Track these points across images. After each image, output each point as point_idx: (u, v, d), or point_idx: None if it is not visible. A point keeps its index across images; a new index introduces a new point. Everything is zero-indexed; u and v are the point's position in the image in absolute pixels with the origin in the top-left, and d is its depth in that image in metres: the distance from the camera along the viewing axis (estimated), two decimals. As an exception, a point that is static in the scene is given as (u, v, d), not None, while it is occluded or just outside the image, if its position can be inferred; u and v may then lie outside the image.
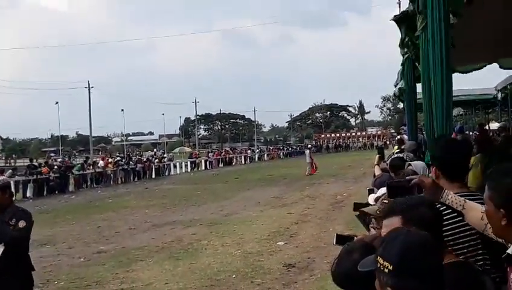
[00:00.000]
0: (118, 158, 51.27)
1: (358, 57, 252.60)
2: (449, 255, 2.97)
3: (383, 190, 4.16)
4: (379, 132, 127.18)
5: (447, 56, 5.12)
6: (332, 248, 4.27)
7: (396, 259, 2.24)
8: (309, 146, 48.76)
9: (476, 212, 3.28)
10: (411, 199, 3.06)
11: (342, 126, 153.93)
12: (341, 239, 4.29)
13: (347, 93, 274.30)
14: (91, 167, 43.71)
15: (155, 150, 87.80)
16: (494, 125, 34.85)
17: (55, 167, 39.65)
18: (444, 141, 4.56)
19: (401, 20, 8.32)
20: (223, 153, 75.81)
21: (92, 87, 70.91)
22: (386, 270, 2.24)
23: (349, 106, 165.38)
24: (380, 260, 2.27)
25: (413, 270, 2.21)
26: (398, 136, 21.85)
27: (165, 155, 64.91)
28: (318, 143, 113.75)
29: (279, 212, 20.71)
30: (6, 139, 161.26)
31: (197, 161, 64.06)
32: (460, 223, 3.76)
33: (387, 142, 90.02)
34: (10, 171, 36.07)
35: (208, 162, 65.26)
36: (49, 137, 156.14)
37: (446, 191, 3.46)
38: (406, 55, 9.74)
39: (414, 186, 3.50)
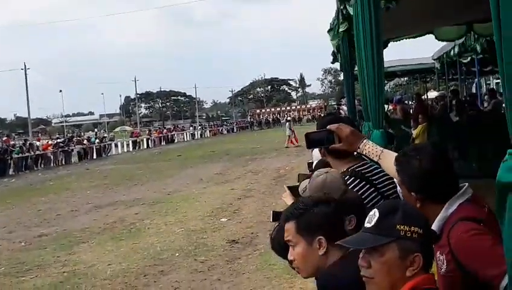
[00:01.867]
0: (58, 140, 50.50)
1: (299, 31, 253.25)
2: None
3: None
4: (319, 104, 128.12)
5: (376, 25, 5.15)
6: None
7: (424, 221, 2.38)
8: (288, 118, 48.57)
9: (391, 161, 3.24)
10: (307, 200, 2.98)
11: (284, 100, 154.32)
12: (278, 216, 4.30)
13: (288, 67, 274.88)
14: (30, 150, 42.97)
15: (96, 130, 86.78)
16: (432, 94, 35.51)
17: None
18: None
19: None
20: (165, 131, 75.51)
21: (28, 68, 69.59)
22: (416, 235, 2.28)
23: (290, 80, 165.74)
24: (405, 228, 2.28)
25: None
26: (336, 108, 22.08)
27: (105, 135, 64.26)
28: (254, 119, 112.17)
29: (222, 189, 20.72)
30: None
31: (138, 140, 63.52)
32: (370, 191, 3.81)
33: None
34: None
35: (149, 141, 64.84)
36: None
37: (364, 140, 3.45)
38: (342, 27, 9.77)
39: (332, 136, 3.48)
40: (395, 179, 3.23)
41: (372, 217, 2.36)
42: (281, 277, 8.91)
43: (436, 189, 2.82)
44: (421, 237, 2.29)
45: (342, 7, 7.86)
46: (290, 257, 2.88)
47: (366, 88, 5.22)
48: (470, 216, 2.71)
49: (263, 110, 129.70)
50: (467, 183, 2.93)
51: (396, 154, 3.21)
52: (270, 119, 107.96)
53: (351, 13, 6.25)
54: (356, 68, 8.87)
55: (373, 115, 5.14)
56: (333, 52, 13.28)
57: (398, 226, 2.28)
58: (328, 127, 3.59)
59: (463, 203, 2.80)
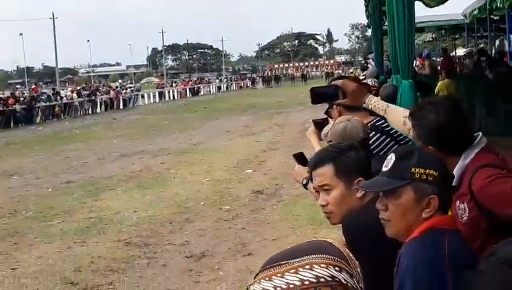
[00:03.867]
0: (84, 91, 50.66)
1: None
2: None
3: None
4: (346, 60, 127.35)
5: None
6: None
7: (440, 165, 2.36)
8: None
9: (398, 116, 3.27)
10: (339, 145, 3.01)
11: (310, 55, 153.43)
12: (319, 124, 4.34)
13: (315, 21, 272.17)
14: (58, 98, 43.25)
15: (119, 81, 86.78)
16: (460, 51, 35.09)
17: (21, 98, 39.30)
18: None
19: None
20: (191, 83, 75.49)
21: (57, 17, 69.56)
22: (431, 178, 2.28)
23: (318, 34, 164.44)
24: (420, 170, 2.29)
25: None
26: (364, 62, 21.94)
27: (131, 85, 64.38)
28: (268, 74, 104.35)
29: (248, 141, 20.78)
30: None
31: (164, 91, 63.55)
32: (391, 144, 3.84)
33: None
34: None
35: (175, 92, 64.87)
36: (15, 69, 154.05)
37: (370, 95, 3.46)
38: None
39: (337, 91, 3.48)
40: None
41: (389, 161, 2.37)
42: (305, 227, 8.99)
43: (452, 141, 2.85)
44: (436, 179, 2.30)
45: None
46: (322, 201, 2.87)
47: (396, 38, 5.16)
48: (489, 163, 2.76)
49: (286, 65, 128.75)
50: (480, 133, 2.96)
51: (401, 108, 3.24)
52: (298, 74, 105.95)
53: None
54: (385, 23, 8.81)
55: (402, 65, 5.09)
56: (365, 6, 13.18)
57: (413, 169, 2.29)
58: (333, 82, 3.61)
59: (480, 152, 2.84)
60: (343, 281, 1.32)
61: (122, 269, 7.95)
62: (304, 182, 4.07)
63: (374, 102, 3.41)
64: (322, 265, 1.31)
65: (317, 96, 3.61)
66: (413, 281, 2.19)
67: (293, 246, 1.42)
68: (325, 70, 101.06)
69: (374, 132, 4.01)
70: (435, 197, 2.29)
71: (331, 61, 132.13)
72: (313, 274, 1.30)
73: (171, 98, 62.31)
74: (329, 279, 1.30)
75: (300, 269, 1.30)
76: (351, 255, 1.39)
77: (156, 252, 8.56)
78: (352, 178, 2.77)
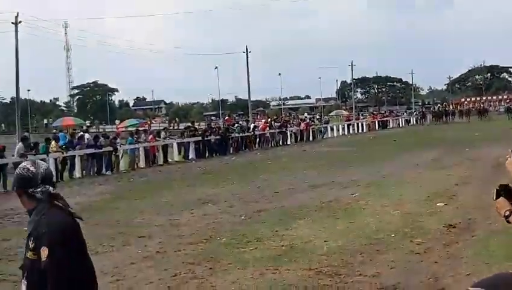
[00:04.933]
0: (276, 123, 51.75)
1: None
2: None
3: None
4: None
5: None
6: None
7: None
8: None
9: None
10: None
11: (504, 88, 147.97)
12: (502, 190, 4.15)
13: (509, 54, 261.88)
14: (250, 130, 44.62)
15: (305, 114, 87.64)
16: None
17: (215, 129, 40.94)
18: None
19: None
20: (379, 116, 75.15)
21: (250, 52, 71.87)
22: None
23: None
24: None
25: None
26: None
27: (319, 118, 65.08)
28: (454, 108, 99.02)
29: (438, 174, 20.35)
30: (169, 103, 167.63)
31: (352, 124, 63.70)
32: None
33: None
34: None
35: (364, 125, 64.86)
36: (210, 101, 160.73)
37: None
38: None
39: None
40: None
41: None
42: (501, 264, 8.60)
43: None
44: None
45: None
46: None
47: None
48: None
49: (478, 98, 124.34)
50: None
51: None
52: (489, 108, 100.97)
53: None
54: None
55: None
56: None
57: None
58: None
59: None
60: None
61: (314, 297, 8.05)
62: (507, 214, 3.96)
63: None
64: None
65: None
66: None
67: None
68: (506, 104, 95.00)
69: None
70: None
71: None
72: None
73: (360, 130, 62.38)
74: None
75: None
76: None
77: (347, 282, 8.56)
78: None
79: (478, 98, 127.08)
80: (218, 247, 11.47)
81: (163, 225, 14.20)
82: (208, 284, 8.98)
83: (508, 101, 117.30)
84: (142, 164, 32.33)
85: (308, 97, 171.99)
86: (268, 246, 11.16)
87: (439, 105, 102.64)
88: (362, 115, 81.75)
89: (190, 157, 36.17)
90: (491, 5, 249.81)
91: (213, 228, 13.41)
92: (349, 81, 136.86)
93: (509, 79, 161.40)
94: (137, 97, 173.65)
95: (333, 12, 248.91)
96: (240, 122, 54.58)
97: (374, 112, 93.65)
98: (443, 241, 10.64)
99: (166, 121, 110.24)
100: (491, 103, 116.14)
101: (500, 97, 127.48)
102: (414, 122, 79.35)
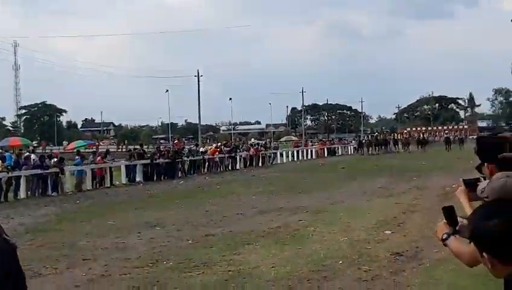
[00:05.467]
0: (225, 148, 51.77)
1: (468, 48, 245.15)
2: None
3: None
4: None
5: None
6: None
7: None
8: None
9: None
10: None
11: (451, 119, 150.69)
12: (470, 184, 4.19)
13: (457, 85, 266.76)
14: (200, 154, 44.56)
15: (253, 139, 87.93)
16: None
17: (164, 152, 40.73)
18: None
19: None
20: (328, 142, 75.71)
21: (201, 76, 71.97)
22: None
23: (459, 99, 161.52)
24: None
25: None
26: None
27: (265, 143, 65.26)
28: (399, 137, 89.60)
29: (386, 202, 20.52)
30: (118, 126, 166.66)
31: (301, 150, 63.99)
32: None
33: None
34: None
35: (313, 152, 65.26)
36: (159, 125, 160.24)
37: None
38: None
39: (505, 143, 3.38)
40: None
41: None
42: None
43: None
44: None
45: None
46: None
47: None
48: None
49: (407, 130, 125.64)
50: None
51: None
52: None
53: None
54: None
55: None
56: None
57: None
58: (502, 134, 3.51)
59: None
60: None
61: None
62: (444, 237, 3.97)
63: None
64: None
65: (483, 145, 3.55)
66: None
67: None
68: (445, 134, 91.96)
69: None
70: None
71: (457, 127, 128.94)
72: None
73: (309, 157, 62.70)
74: None
75: None
76: None
77: (294, 308, 8.52)
78: None
79: (424, 128, 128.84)
80: (165, 271, 11.34)
81: (108, 247, 14.00)
82: (153, 309, 8.86)
83: (454, 132, 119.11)
84: (88, 185, 31.90)
85: (258, 123, 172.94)
86: (216, 271, 11.06)
87: (376, 133, 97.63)
88: (311, 141, 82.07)
89: (138, 180, 35.88)
90: (440, 38, 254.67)
91: (160, 251, 13.27)
92: (299, 108, 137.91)
93: (457, 110, 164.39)
94: (86, 118, 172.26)
95: (285, 40, 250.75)
96: (190, 146, 54.45)
97: (323, 139, 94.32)
98: (390, 269, 10.66)
99: (115, 143, 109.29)
100: (436, 133, 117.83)
101: (446, 127, 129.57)
102: (352, 151, 77.11)
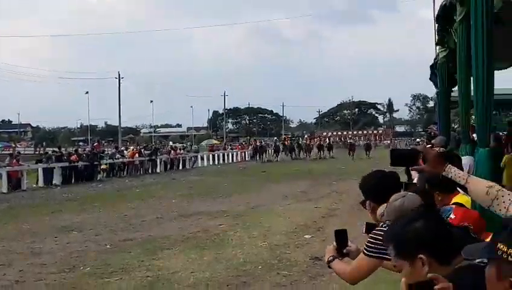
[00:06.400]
0: (146, 151, 51.22)
1: (387, 54, 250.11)
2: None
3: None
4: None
5: (488, 43, 5.02)
6: (361, 241, 4.30)
7: None
8: None
9: (480, 186, 3.15)
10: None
11: (370, 124, 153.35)
12: (371, 227, 4.28)
13: (376, 90, 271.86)
14: (119, 157, 44.01)
15: (170, 142, 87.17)
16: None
17: (84, 155, 40.05)
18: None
19: (440, 16, 8.23)
20: (249, 147, 75.68)
21: (122, 78, 71.30)
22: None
23: (378, 104, 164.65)
24: (504, 248, 2.04)
25: None
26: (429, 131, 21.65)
27: (185, 146, 64.93)
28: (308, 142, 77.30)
29: (306, 206, 20.65)
30: (36, 127, 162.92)
31: (218, 154, 63.62)
32: None
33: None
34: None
35: (234, 155, 65.29)
36: (79, 127, 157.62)
37: (449, 165, 3.36)
38: (441, 55, 9.63)
39: (417, 155, 3.44)
40: None
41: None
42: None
43: None
44: None
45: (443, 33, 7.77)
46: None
47: (470, 106, 5.13)
48: None
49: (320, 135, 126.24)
50: None
51: (484, 181, 3.15)
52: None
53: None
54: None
55: (480, 132, 5.00)
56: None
57: (499, 245, 2.10)
58: (414, 147, 3.57)
59: None
60: None
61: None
62: (330, 259, 4.23)
63: (454, 171, 3.32)
64: None
65: (397, 158, 3.57)
66: None
67: None
68: (366, 141, 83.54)
69: None
70: None
71: (376, 132, 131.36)
72: None
73: (230, 160, 62.69)
74: None
75: None
76: None
77: (213, 314, 8.46)
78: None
79: (345, 133, 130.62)
80: (82, 277, 11.14)
81: (24, 252, 13.68)
82: (69, 316, 8.66)
83: (375, 135, 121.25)
84: (4, 188, 31.04)
85: (179, 125, 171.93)
86: (134, 277, 10.92)
87: (284, 136, 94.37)
88: (230, 145, 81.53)
89: (55, 183, 35.11)
90: (361, 43, 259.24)
91: (77, 256, 13.03)
92: (221, 111, 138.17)
93: (376, 115, 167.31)
94: (3, 120, 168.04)
95: (207, 43, 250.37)
96: (109, 149, 53.72)
97: (244, 143, 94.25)
98: (309, 273, 10.71)
99: (32, 145, 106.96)
100: (356, 138, 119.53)
101: (369, 132, 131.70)
102: (283, 154, 75.47)
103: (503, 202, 2.96)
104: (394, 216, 3.43)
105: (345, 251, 4.31)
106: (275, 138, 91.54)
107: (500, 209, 2.97)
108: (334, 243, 4.31)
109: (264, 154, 63.22)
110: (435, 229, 2.68)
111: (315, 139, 72.78)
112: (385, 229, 3.78)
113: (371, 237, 4.08)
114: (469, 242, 2.40)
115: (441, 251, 2.55)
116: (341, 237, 4.27)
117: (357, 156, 59.10)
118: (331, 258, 4.23)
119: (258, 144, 66.28)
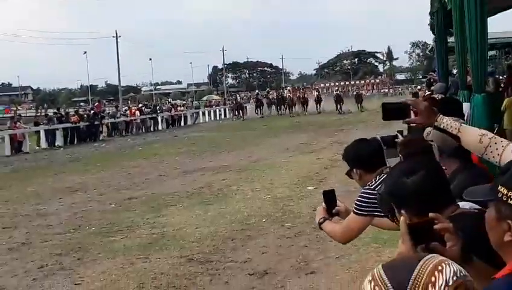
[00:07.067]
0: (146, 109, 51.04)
1: (385, 2, 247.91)
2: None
3: None
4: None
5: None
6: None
7: None
8: None
9: (473, 135, 3.15)
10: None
11: (370, 73, 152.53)
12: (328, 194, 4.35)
13: (376, 39, 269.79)
14: (120, 116, 44.01)
15: (170, 100, 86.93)
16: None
17: (85, 115, 40.03)
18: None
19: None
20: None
21: (120, 36, 70.90)
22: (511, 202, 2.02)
23: (378, 52, 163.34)
24: (505, 191, 2.03)
25: None
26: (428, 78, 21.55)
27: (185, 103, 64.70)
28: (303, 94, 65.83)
29: (308, 158, 20.67)
30: (36, 89, 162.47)
31: (224, 109, 63.54)
32: None
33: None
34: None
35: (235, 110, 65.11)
36: (79, 87, 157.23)
37: (441, 115, 3.35)
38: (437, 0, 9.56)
39: (408, 108, 3.43)
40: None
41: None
42: (369, 246, 8.82)
43: None
44: None
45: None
46: None
47: (469, 54, 5.09)
48: None
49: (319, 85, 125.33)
50: None
51: (477, 129, 3.15)
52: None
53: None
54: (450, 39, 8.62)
55: (475, 79, 4.98)
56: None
57: (499, 187, 2.09)
58: (404, 100, 3.55)
59: None
60: None
61: (184, 285, 7.92)
62: (320, 221, 4.30)
63: (446, 121, 3.31)
64: None
65: (389, 112, 3.55)
66: None
67: None
68: (356, 91, 69.77)
69: None
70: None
71: (374, 80, 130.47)
72: None
73: (231, 115, 62.57)
74: None
75: None
76: None
77: (219, 269, 8.51)
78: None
79: (347, 83, 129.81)
80: (87, 236, 11.22)
81: (29, 214, 13.77)
82: (76, 275, 8.74)
83: (375, 85, 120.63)
84: (7, 151, 31.11)
85: (179, 82, 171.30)
86: (139, 235, 11.00)
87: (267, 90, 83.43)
88: (229, 100, 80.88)
89: (57, 144, 35.17)
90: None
91: (82, 217, 13.11)
92: (220, 66, 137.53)
93: (375, 64, 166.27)
94: (3, 83, 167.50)
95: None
96: (109, 108, 53.61)
97: (245, 97, 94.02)
98: (313, 225, 10.71)
99: (33, 108, 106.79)
100: (359, 87, 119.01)
101: (366, 81, 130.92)
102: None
103: (496, 149, 2.97)
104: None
105: (334, 211, 4.39)
106: (257, 90, 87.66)
107: (493, 157, 2.98)
108: (323, 204, 4.38)
109: (242, 112, 56.98)
110: (436, 181, 2.69)
111: (301, 91, 61.85)
112: (373, 188, 3.86)
113: (360, 196, 4.19)
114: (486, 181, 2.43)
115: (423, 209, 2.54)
116: (329, 197, 4.33)
117: (347, 111, 52.46)
118: (322, 219, 4.29)
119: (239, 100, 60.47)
